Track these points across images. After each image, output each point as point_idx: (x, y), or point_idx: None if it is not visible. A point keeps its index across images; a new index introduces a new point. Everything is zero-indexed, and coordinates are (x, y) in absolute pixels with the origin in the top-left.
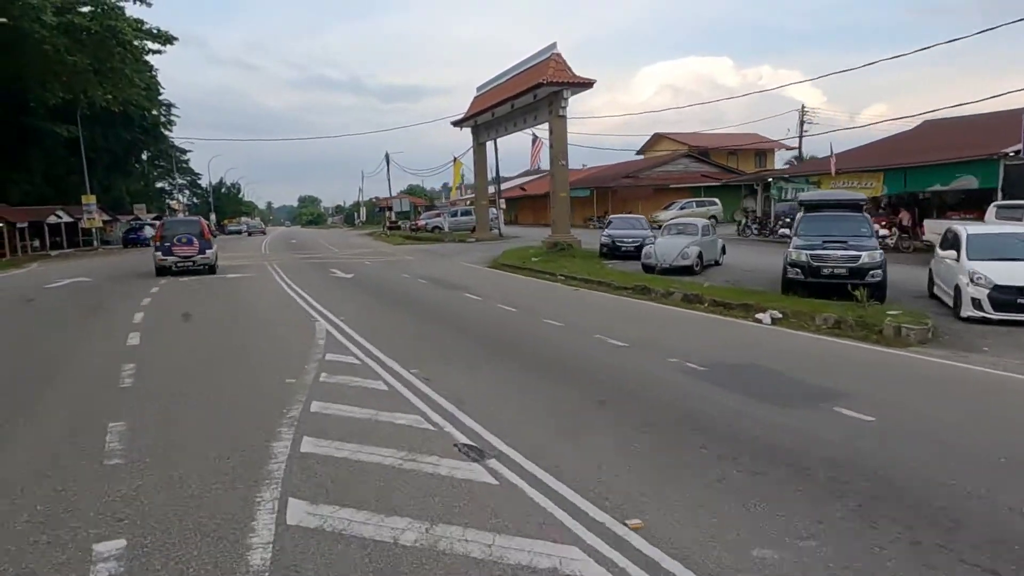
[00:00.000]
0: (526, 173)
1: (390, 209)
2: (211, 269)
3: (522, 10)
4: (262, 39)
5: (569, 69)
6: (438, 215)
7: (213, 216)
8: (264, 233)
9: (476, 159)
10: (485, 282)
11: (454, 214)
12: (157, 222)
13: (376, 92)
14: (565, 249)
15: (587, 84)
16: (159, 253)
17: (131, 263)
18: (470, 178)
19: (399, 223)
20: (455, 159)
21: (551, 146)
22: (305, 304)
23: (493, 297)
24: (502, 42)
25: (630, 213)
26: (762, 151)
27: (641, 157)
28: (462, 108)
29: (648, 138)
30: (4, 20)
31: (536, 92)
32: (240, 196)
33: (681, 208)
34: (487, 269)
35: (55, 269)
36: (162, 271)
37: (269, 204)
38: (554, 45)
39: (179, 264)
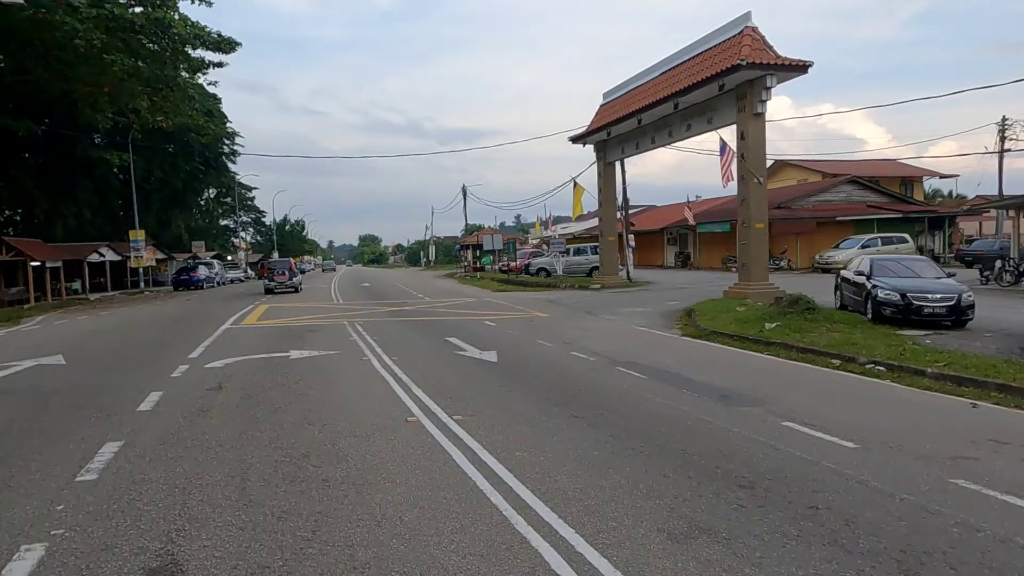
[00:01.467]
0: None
1: (475, 248)
2: (296, 290)
3: (573, 56)
4: (327, 86)
5: (771, 47)
6: (541, 254)
7: (276, 254)
8: (335, 271)
9: (603, 182)
10: (747, 377)
11: (565, 252)
12: (216, 260)
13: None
14: (803, 308)
15: (801, 68)
16: (266, 280)
17: (171, 314)
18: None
19: (483, 264)
20: (575, 183)
21: (741, 157)
22: (496, 497)
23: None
24: (553, 87)
25: (783, 253)
26: (908, 179)
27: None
28: (515, 151)
29: (771, 165)
30: (21, 1)
31: (724, 81)
32: (304, 234)
33: (863, 246)
34: (689, 340)
35: (54, 331)
36: (269, 291)
37: (331, 243)
38: (747, 16)
39: (278, 288)
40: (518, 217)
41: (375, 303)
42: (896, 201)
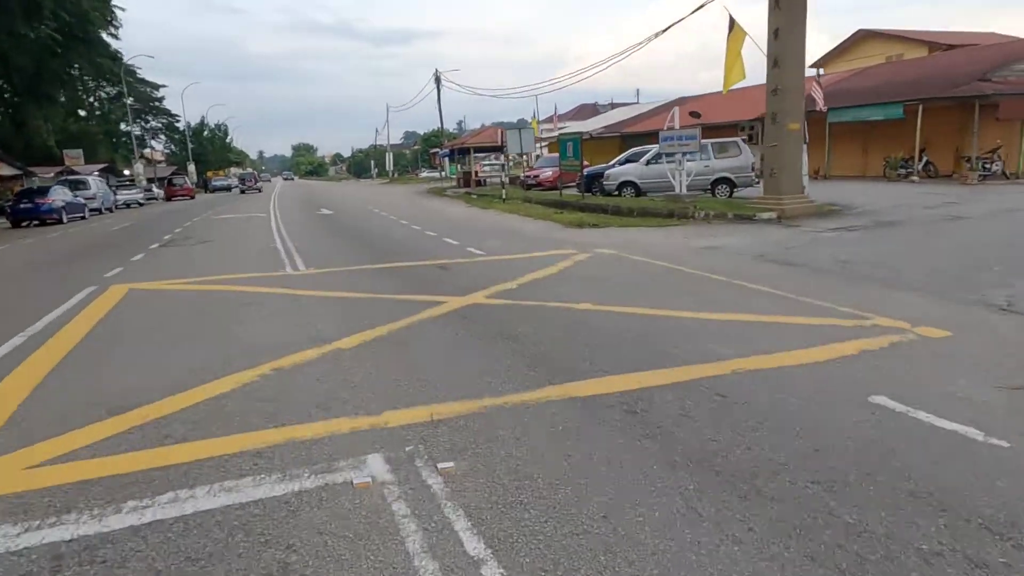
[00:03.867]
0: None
1: (489, 151)
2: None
3: None
4: None
5: None
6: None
7: (192, 167)
8: (260, 191)
9: (780, 20)
10: None
11: (658, 158)
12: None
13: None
14: None
15: None
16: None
17: None
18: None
19: (481, 177)
20: (732, 22)
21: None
22: None
23: None
24: None
25: (996, 150)
26: None
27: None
28: (456, 54)
29: (846, 38)
30: None
31: None
32: (228, 141)
33: None
34: None
35: None
36: None
37: (260, 153)
38: None
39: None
40: (460, 124)
41: (394, 276)
42: None
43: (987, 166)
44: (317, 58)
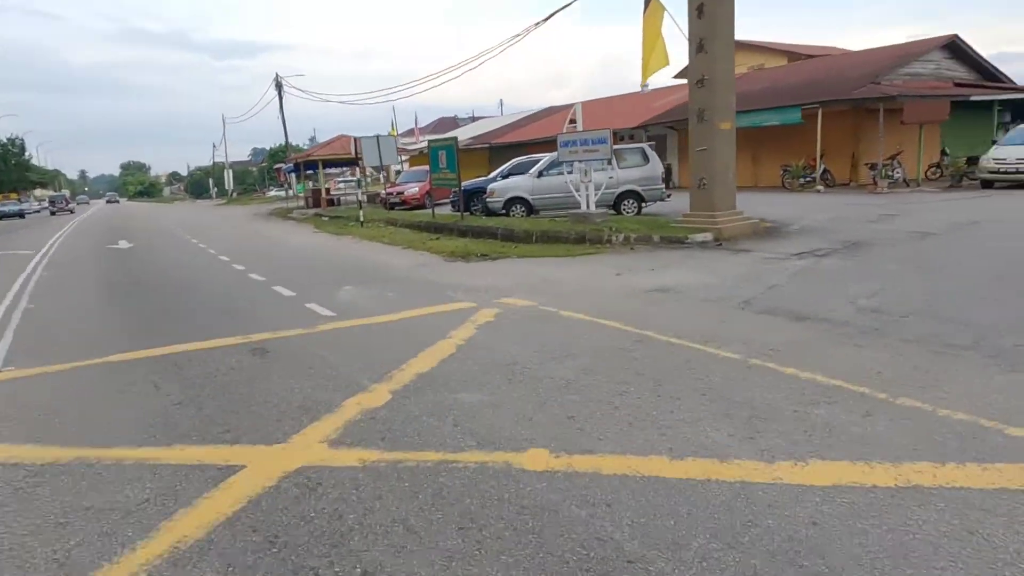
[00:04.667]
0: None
1: (343, 165)
2: None
3: None
4: None
5: None
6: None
7: None
8: (72, 212)
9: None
10: None
11: (554, 167)
12: None
13: (207, 48)
14: None
15: None
16: None
17: None
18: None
19: (335, 195)
20: None
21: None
22: None
23: None
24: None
25: (897, 156)
26: None
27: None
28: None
29: None
30: None
31: None
32: (27, 159)
33: None
34: None
35: None
36: None
37: (83, 173)
38: None
39: None
40: (312, 139)
41: (163, 381)
42: (985, 78)
43: (891, 174)
44: (148, 70)
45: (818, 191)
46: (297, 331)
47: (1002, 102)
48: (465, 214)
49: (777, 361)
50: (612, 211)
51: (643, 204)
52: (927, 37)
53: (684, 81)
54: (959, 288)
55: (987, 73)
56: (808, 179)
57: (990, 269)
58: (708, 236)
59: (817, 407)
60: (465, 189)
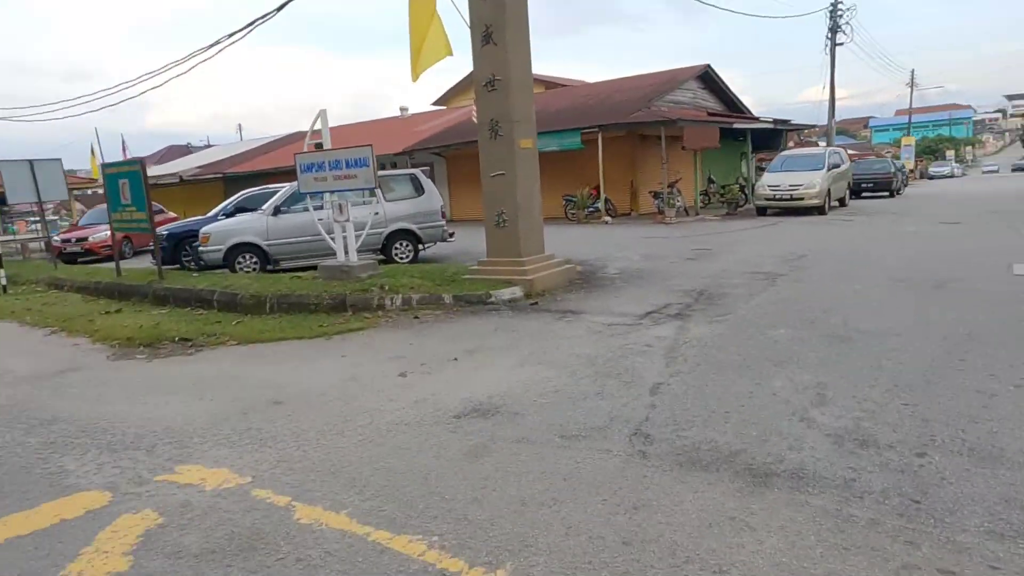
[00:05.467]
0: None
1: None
2: None
3: None
4: None
5: None
6: (162, 210)
7: None
8: None
9: None
10: None
11: (293, 201)
12: None
13: None
14: None
15: None
16: None
17: None
18: None
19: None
20: None
21: None
22: None
23: None
24: None
25: (676, 183)
26: None
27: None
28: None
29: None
30: None
31: None
32: None
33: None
34: None
35: None
36: None
37: None
38: None
39: None
40: None
41: None
42: (731, 110)
43: (674, 202)
44: None
45: (606, 223)
46: None
47: (744, 132)
48: (173, 269)
49: None
50: (381, 256)
51: (421, 247)
52: (685, 67)
53: (444, 108)
54: (920, 371)
55: (732, 105)
56: (593, 209)
57: (922, 324)
58: (517, 292)
59: None
60: (176, 233)
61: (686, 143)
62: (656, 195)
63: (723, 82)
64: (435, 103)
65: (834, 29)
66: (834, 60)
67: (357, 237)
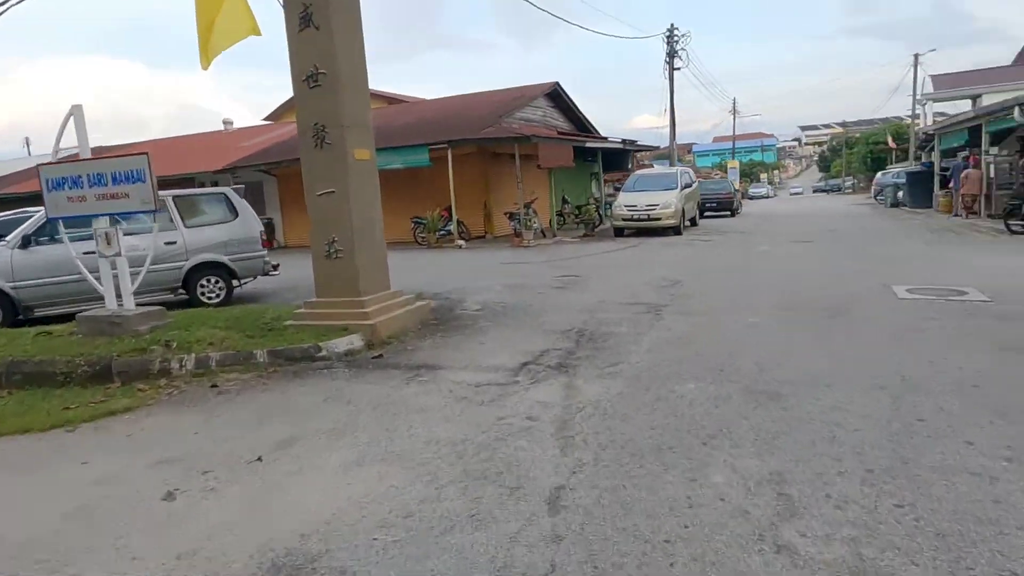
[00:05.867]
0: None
1: None
2: None
3: None
4: None
5: None
6: None
7: None
8: None
9: None
10: None
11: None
12: None
13: None
14: None
15: None
16: None
17: None
18: None
19: None
20: None
21: None
22: None
23: None
24: None
25: (532, 203)
26: None
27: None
28: None
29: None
30: None
31: None
32: None
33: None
34: None
35: None
36: None
37: None
38: None
39: None
40: None
41: None
42: (579, 129)
43: (531, 224)
44: None
45: (460, 247)
46: None
47: (594, 152)
48: None
49: None
50: (183, 296)
51: (236, 283)
52: (534, 84)
53: (272, 123)
54: (886, 443)
55: (581, 124)
56: (445, 232)
57: (846, 368)
58: (356, 341)
59: None
60: None
61: (542, 161)
62: (512, 216)
63: (572, 101)
64: (266, 118)
65: (671, 54)
66: (672, 84)
67: (135, 275)
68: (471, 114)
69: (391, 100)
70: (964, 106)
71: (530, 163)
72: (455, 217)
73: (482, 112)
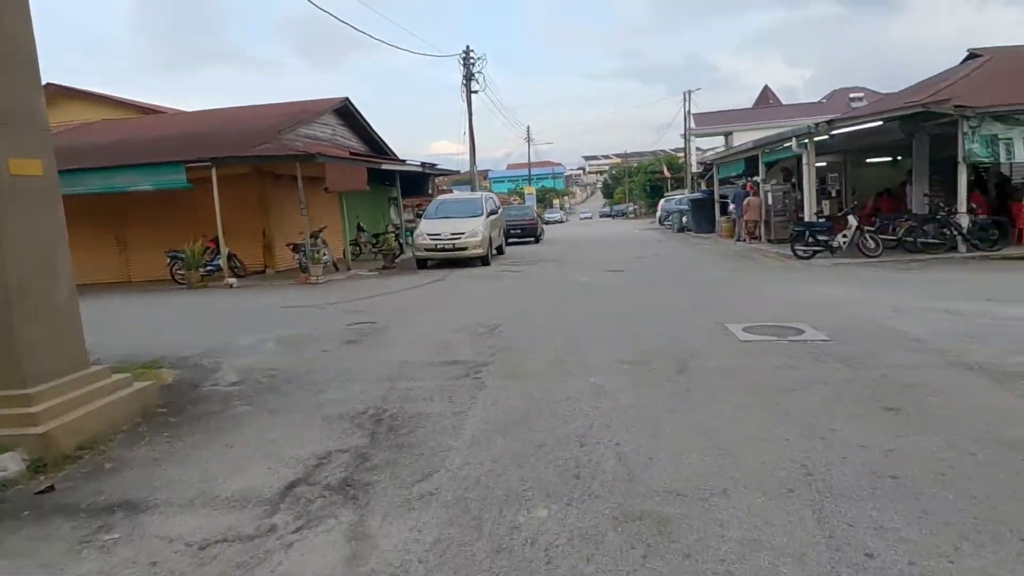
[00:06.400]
0: None
1: None
2: None
3: None
4: None
5: None
6: None
7: None
8: None
9: None
10: None
11: None
12: None
13: None
14: None
15: None
16: None
17: None
18: None
19: None
20: None
21: None
22: None
23: None
24: None
25: (321, 231)
26: None
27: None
28: None
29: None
30: None
31: None
32: None
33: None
34: None
35: None
36: None
37: None
38: None
39: None
40: None
41: None
42: (374, 150)
43: (320, 256)
44: None
45: (230, 286)
46: None
47: (392, 175)
48: None
49: None
50: None
51: None
52: (321, 99)
53: None
54: None
55: (376, 146)
56: (213, 268)
57: (730, 458)
58: (11, 464)
59: None
60: None
61: (329, 184)
62: (296, 248)
63: (365, 119)
64: None
65: (468, 76)
66: (471, 106)
67: None
68: (242, 128)
69: (144, 110)
70: (718, 141)
71: (318, 186)
72: (224, 250)
73: (256, 127)
